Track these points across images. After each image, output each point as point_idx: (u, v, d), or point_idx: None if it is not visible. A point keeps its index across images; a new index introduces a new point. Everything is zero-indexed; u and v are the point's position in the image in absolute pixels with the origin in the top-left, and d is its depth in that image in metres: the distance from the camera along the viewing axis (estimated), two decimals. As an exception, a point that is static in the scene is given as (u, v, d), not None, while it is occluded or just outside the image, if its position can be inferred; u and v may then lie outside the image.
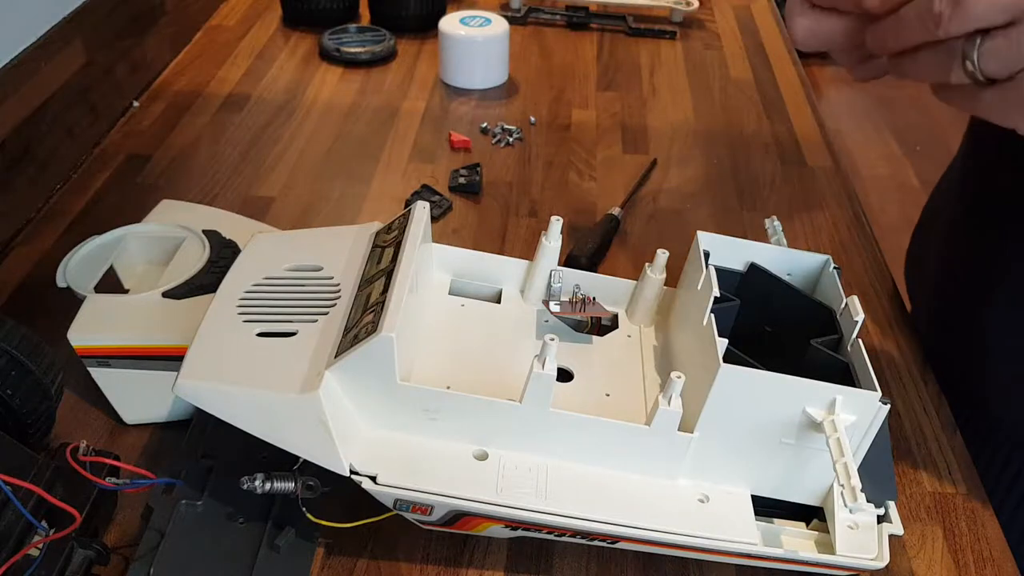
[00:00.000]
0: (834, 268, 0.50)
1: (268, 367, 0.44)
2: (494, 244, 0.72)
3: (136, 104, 0.90)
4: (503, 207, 0.77)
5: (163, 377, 0.50)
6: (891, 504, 0.46)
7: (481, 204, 0.77)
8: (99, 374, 0.52)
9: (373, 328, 0.42)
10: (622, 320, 0.55)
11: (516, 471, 0.44)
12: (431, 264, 0.54)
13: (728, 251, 0.52)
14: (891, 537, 0.45)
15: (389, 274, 0.46)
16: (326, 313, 0.47)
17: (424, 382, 0.45)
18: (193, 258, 0.55)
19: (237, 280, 0.50)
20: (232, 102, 0.92)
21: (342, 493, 0.45)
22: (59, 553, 0.41)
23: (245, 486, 0.44)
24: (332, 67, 0.99)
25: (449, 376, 0.47)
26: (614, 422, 0.44)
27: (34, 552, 0.41)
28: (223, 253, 0.56)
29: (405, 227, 0.49)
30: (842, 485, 0.40)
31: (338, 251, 0.51)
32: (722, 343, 0.43)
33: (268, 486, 0.44)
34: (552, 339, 0.42)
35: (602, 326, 0.54)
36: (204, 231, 0.58)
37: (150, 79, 0.94)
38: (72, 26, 0.78)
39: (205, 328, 0.47)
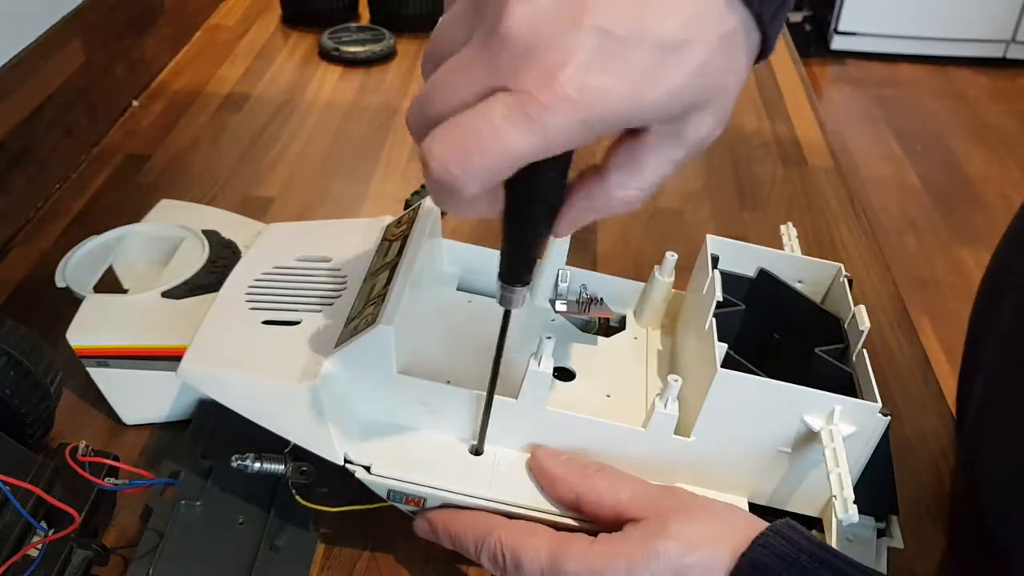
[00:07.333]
0: (845, 277, 0.50)
1: (270, 355, 0.45)
2: (494, 243, 0.72)
3: (135, 104, 0.90)
4: (503, 207, 0.76)
5: (163, 377, 0.50)
6: (893, 518, 0.46)
7: (481, 204, 0.77)
8: (98, 374, 0.52)
9: (372, 320, 0.42)
10: (629, 322, 0.54)
11: (511, 468, 0.44)
12: (439, 259, 0.54)
13: (739, 256, 0.51)
14: (890, 549, 0.45)
15: (393, 267, 0.46)
16: (331, 304, 0.48)
17: (426, 376, 0.45)
18: (192, 258, 0.55)
19: (247, 269, 0.51)
20: (231, 102, 0.91)
21: (341, 491, 0.45)
22: (58, 554, 0.41)
23: (235, 464, 0.44)
24: (332, 67, 0.99)
25: (451, 371, 0.47)
26: (610, 423, 0.44)
27: (33, 552, 0.41)
28: (222, 253, 0.56)
29: (414, 221, 0.49)
30: (834, 496, 0.40)
31: (348, 243, 0.52)
32: (721, 348, 0.43)
33: (258, 466, 0.45)
34: (549, 337, 0.42)
35: (609, 327, 0.54)
36: (203, 231, 0.57)
37: (149, 79, 0.94)
38: (71, 25, 0.78)
39: (213, 315, 0.48)
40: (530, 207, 0.35)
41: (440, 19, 0.34)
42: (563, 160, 0.33)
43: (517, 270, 0.39)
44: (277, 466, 0.45)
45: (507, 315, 0.41)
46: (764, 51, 0.33)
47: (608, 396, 0.49)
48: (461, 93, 0.31)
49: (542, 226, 0.36)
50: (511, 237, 0.37)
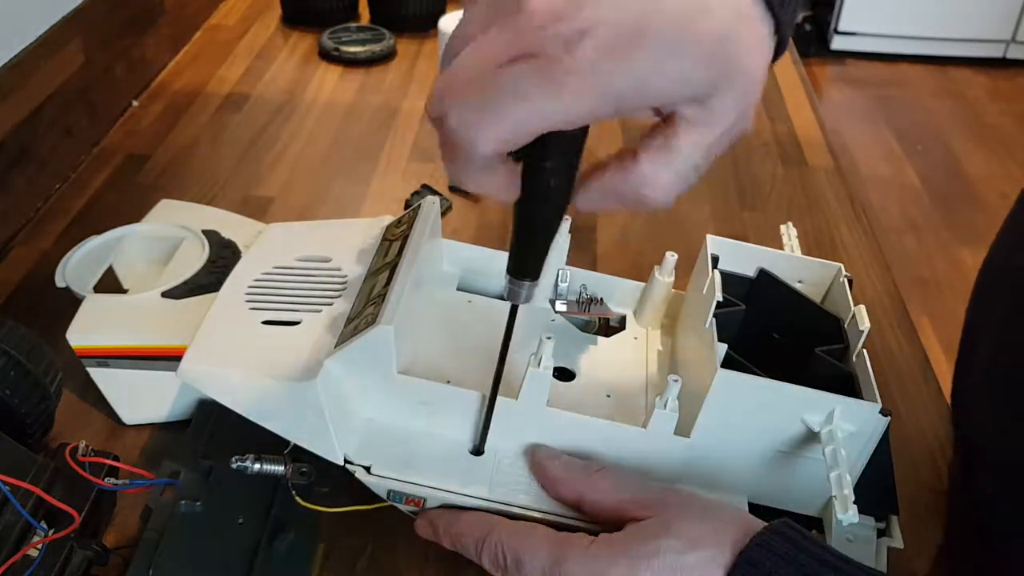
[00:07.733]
0: (845, 277, 0.50)
1: (270, 355, 0.45)
2: (494, 244, 0.71)
3: (135, 104, 0.90)
4: (503, 207, 0.76)
5: (162, 377, 0.50)
6: (893, 518, 0.46)
7: (481, 204, 0.77)
8: (98, 374, 0.52)
9: (372, 320, 0.42)
10: (630, 322, 0.54)
11: (511, 468, 0.44)
12: (439, 259, 0.54)
13: (739, 256, 0.51)
14: (890, 549, 0.45)
15: (393, 267, 0.46)
16: (331, 304, 0.48)
17: (426, 375, 0.45)
18: (192, 258, 0.55)
19: (248, 269, 0.52)
20: (231, 102, 0.91)
21: (341, 491, 0.45)
22: (58, 554, 0.41)
23: (235, 465, 0.44)
24: (332, 66, 0.99)
25: (451, 371, 0.47)
26: (610, 423, 0.44)
27: (33, 552, 0.41)
28: (222, 253, 0.56)
29: (414, 221, 0.49)
30: (834, 496, 0.40)
31: (348, 243, 0.52)
32: (721, 348, 0.43)
33: (258, 467, 0.45)
34: (548, 338, 0.42)
35: (610, 327, 0.54)
36: (203, 231, 0.57)
37: (149, 79, 0.94)
38: (71, 25, 0.78)
39: (213, 315, 0.48)
40: (541, 190, 0.35)
41: (460, 19, 0.34)
42: (577, 140, 0.34)
43: (524, 263, 0.39)
44: (277, 467, 0.45)
45: (514, 310, 0.41)
46: (780, 45, 0.34)
47: (608, 396, 0.49)
48: (487, 64, 0.32)
49: (552, 215, 0.36)
50: (520, 225, 0.37)
